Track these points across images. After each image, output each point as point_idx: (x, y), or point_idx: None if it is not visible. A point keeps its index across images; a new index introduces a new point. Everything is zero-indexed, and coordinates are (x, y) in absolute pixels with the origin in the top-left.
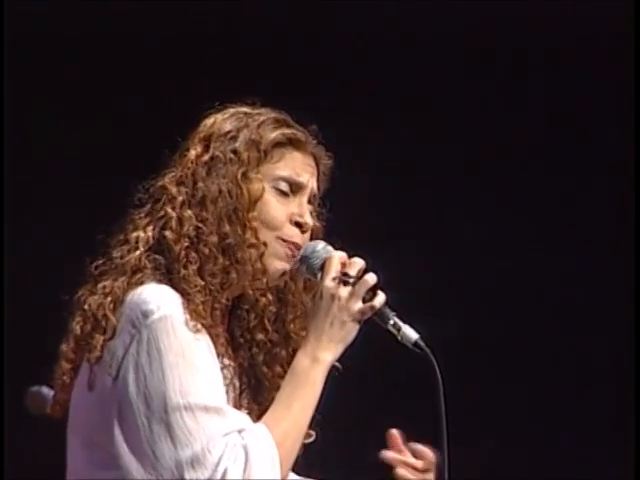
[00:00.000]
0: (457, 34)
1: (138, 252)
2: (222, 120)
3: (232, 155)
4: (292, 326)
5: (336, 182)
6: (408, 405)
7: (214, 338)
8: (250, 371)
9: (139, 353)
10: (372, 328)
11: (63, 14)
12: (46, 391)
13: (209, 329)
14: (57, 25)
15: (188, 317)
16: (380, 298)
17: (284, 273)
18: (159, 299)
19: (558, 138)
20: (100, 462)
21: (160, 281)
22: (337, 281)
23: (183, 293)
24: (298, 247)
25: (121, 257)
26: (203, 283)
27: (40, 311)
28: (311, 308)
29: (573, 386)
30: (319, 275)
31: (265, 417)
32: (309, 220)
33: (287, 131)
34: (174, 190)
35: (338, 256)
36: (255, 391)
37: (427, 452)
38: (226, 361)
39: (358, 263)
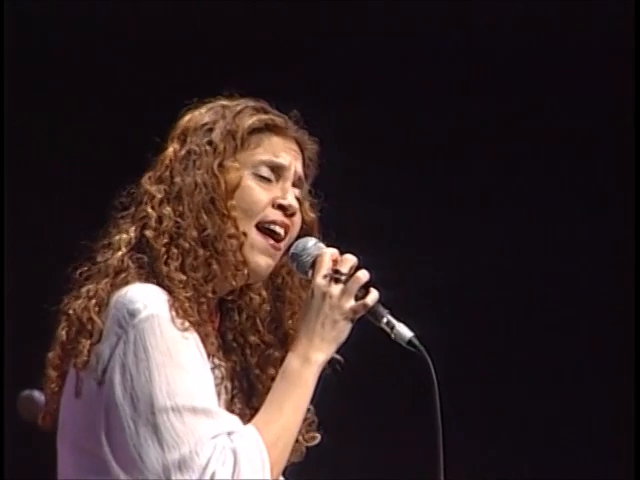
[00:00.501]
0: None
1: (120, 253)
2: (199, 114)
3: (208, 147)
4: (290, 323)
5: (327, 174)
6: (403, 405)
7: (203, 337)
8: (243, 374)
9: (126, 354)
10: (365, 326)
11: (63, 14)
12: (37, 395)
13: (197, 328)
14: (57, 25)
15: (175, 315)
16: (373, 295)
17: (267, 269)
18: (146, 298)
19: (558, 138)
20: (90, 468)
21: (146, 280)
22: (328, 279)
23: (168, 290)
24: (285, 227)
25: (106, 260)
26: (186, 278)
27: (39, 314)
28: (302, 307)
29: (573, 386)
30: (310, 273)
31: (256, 419)
32: (293, 202)
33: (264, 117)
34: (153, 189)
35: (329, 253)
36: (248, 395)
37: None
38: (216, 361)
39: (350, 260)
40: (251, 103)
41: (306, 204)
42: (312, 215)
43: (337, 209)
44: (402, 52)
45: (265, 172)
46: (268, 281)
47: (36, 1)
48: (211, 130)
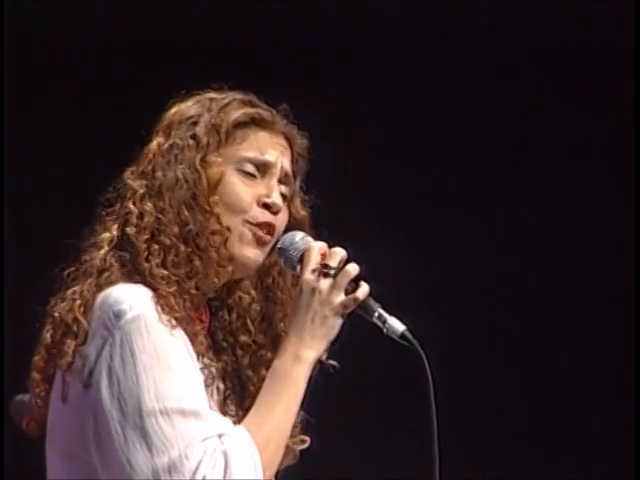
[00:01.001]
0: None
1: (103, 252)
2: (186, 107)
3: (191, 141)
4: (281, 325)
5: (318, 168)
6: (398, 402)
7: (191, 336)
8: (235, 375)
9: (112, 357)
10: (357, 321)
11: (63, 14)
12: (29, 400)
13: (185, 325)
14: (57, 25)
15: (161, 311)
16: (363, 289)
17: (256, 261)
18: (131, 298)
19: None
20: (79, 474)
21: (129, 278)
22: (317, 273)
23: (152, 287)
24: (270, 228)
25: (90, 260)
26: (168, 274)
27: (39, 317)
28: (292, 303)
29: (573, 385)
30: (298, 268)
31: (246, 420)
32: (278, 200)
33: (250, 110)
34: (136, 184)
35: (318, 247)
36: (241, 396)
37: None
38: (206, 361)
39: (339, 253)
40: (239, 96)
41: (297, 201)
42: (303, 212)
43: (331, 206)
44: (402, 52)
45: (249, 168)
46: (258, 281)
47: (36, 1)
48: (195, 123)
